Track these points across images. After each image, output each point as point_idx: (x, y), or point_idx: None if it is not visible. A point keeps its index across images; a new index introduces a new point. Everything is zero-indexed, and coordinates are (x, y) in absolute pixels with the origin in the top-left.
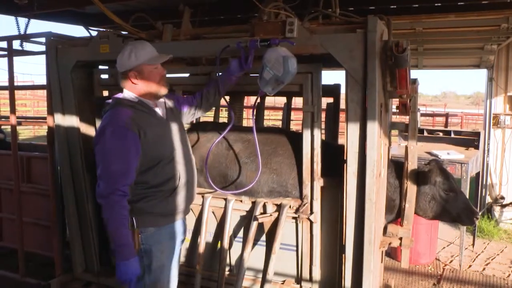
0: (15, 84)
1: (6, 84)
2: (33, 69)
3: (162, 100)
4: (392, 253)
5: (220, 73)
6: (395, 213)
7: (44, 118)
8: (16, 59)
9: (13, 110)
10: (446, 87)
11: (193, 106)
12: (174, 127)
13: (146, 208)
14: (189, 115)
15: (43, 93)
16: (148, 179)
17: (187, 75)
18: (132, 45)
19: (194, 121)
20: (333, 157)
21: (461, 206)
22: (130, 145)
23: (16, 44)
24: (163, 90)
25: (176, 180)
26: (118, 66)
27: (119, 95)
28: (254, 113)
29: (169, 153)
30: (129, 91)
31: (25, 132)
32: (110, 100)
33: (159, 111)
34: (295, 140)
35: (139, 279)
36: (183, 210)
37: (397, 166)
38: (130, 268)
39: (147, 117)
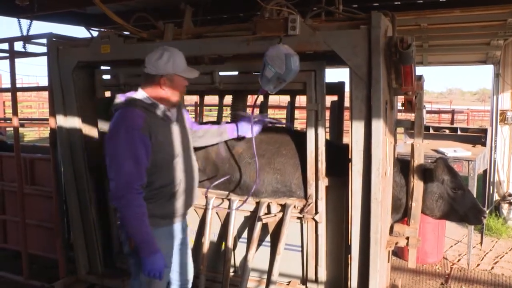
0: (20, 85)
1: (9, 86)
2: (38, 70)
3: None
4: (399, 252)
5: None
6: (401, 212)
7: (47, 120)
8: (21, 61)
9: (15, 111)
10: (451, 84)
11: (192, 130)
12: (181, 133)
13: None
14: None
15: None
16: (150, 181)
17: None
18: (170, 51)
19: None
20: (337, 159)
21: (469, 205)
22: (142, 146)
23: (18, 46)
24: (180, 100)
25: (176, 184)
26: (150, 68)
27: (133, 94)
28: (253, 112)
29: (173, 157)
30: (146, 93)
31: (30, 134)
32: (121, 97)
33: (170, 115)
34: (299, 139)
35: (135, 277)
36: (181, 214)
37: (403, 165)
38: (156, 262)
39: (158, 120)
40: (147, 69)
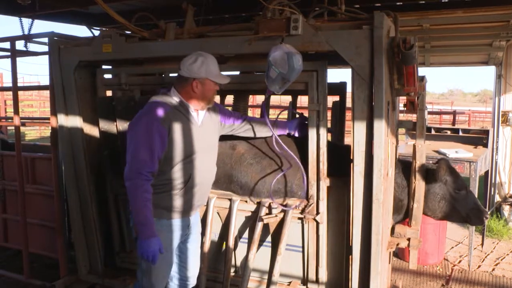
0: (21, 84)
1: (10, 85)
2: (39, 69)
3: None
4: (399, 253)
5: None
6: (403, 213)
7: (48, 119)
8: (22, 60)
9: (16, 110)
10: (452, 85)
11: (235, 124)
12: (206, 135)
13: (152, 200)
14: (227, 129)
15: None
16: (161, 171)
17: None
18: (204, 56)
19: None
20: (338, 159)
21: (471, 206)
22: (158, 137)
23: (20, 45)
24: (210, 104)
25: (184, 181)
26: (184, 71)
27: (166, 91)
28: (264, 111)
29: (187, 155)
30: (178, 93)
31: (32, 133)
32: (163, 89)
33: (195, 116)
34: (300, 139)
35: (140, 266)
36: (186, 210)
37: (404, 166)
38: (151, 246)
39: (182, 118)
40: (181, 72)
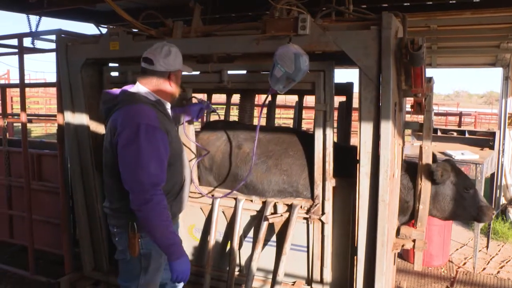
0: (28, 81)
1: (18, 81)
2: (46, 66)
3: None
4: (404, 254)
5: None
6: (408, 214)
7: (55, 116)
8: (29, 57)
9: (23, 107)
10: (458, 86)
11: None
12: (177, 131)
13: None
14: None
15: (55, 90)
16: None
17: (197, 73)
18: (174, 47)
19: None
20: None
21: (478, 203)
22: (162, 145)
23: (27, 42)
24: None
25: (182, 182)
26: (160, 64)
27: (133, 90)
28: (262, 111)
29: (180, 154)
30: (147, 88)
31: (38, 130)
32: (117, 91)
33: (170, 112)
34: (306, 140)
35: (134, 280)
36: (179, 212)
37: (410, 167)
38: (184, 265)
39: (165, 117)
40: (155, 66)
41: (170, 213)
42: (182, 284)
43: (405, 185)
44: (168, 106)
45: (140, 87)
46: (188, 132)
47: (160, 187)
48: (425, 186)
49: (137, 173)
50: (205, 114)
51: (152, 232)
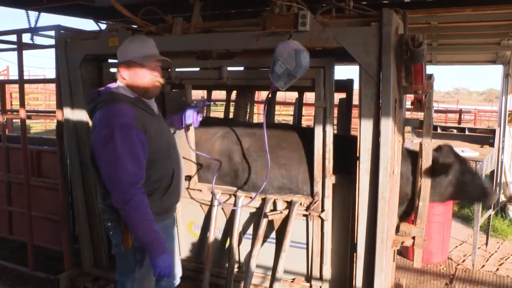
0: (27, 77)
1: (17, 77)
2: (45, 62)
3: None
4: (403, 251)
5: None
6: (406, 204)
7: (54, 112)
8: (27, 53)
9: (22, 103)
10: (458, 83)
11: None
12: (165, 125)
13: None
14: None
15: (54, 86)
16: (148, 176)
17: (197, 69)
18: (139, 36)
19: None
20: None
21: (479, 187)
22: (139, 144)
23: (26, 38)
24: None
25: (170, 177)
26: (121, 54)
27: (115, 86)
28: (265, 108)
29: (166, 149)
30: (122, 83)
31: (37, 126)
32: (100, 90)
33: (153, 107)
34: (305, 135)
35: (130, 274)
36: (174, 208)
37: (411, 157)
38: (166, 262)
39: (146, 113)
40: (118, 58)
41: (162, 208)
42: (178, 276)
43: (404, 174)
44: (151, 101)
45: (119, 83)
46: (190, 143)
47: (140, 185)
48: (425, 183)
49: (115, 173)
50: (204, 110)
51: (134, 230)
